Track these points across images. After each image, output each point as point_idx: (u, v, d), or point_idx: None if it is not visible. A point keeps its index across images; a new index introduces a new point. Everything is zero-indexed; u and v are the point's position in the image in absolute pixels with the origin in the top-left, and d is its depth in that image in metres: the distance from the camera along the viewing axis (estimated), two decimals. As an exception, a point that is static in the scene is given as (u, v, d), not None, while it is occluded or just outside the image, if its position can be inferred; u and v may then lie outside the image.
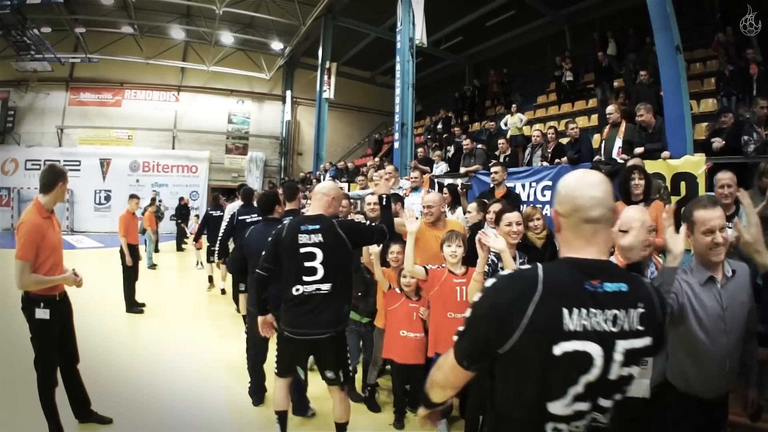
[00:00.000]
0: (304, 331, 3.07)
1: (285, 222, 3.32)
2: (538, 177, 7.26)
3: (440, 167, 9.65)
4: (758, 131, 5.55)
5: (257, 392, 4.20)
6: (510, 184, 6.86)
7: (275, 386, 3.37)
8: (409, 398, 3.88)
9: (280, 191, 5.21)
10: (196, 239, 11.00)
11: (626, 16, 12.27)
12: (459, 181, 7.91)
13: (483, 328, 1.31)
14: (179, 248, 15.54)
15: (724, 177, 3.90)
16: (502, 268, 3.17)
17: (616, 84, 11.02)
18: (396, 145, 11.36)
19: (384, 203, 3.45)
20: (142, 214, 11.58)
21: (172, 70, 20.71)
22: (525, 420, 1.31)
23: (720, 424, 2.33)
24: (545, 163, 7.55)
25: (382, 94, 21.77)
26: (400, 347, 3.81)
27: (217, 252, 7.39)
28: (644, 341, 1.29)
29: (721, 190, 3.83)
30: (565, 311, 1.22)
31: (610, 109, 6.83)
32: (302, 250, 3.05)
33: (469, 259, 3.47)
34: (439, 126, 14.67)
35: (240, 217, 6.35)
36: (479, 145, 9.19)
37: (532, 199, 7.18)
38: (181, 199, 16.98)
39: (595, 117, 10.63)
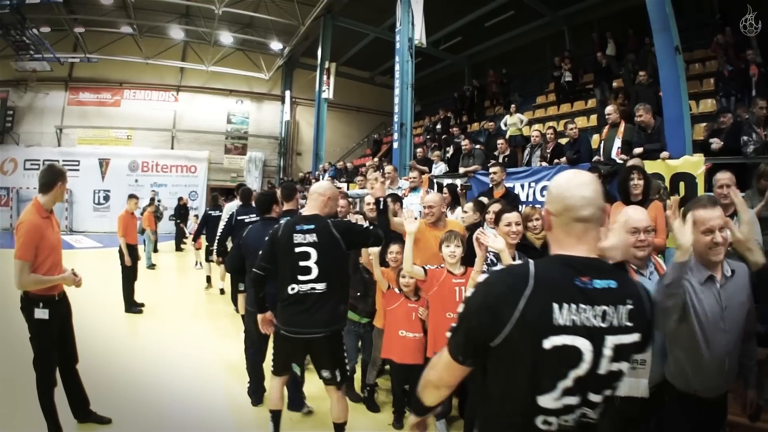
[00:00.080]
0: (300, 329, 3.10)
1: (281, 222, 3.35)
2: (537, 177, 7.25)
3: (439, 167, 9.65)
4: (757, 132, 5.56)
5: (256, 392, 4.21)
6: (509, 185, 6.86)
7: (270, 385, 3.40)
8: (408, 398, 3.87)
9: (279, 191, 5.22)
10: (195, 239, 11.02)
11: (625, 16, 12.27)
12: (458, 182, 7.92)
13: (476, 322, 1.33)
14: (178, 248, 15.54)
15: (723, 177, 3.90)
16: (502, 268, 3.18)
17: (615, 84, 11.02)
18: (395, 145, 11.36)
19: (380, 207, 3.46)
20: (141, 214, 11.57)
21: (171, 70, 20.70)
22: (515, 413, 1.32)
23: (719, 423, 2.34)
24: (544, 164, 7.54)
25: (381, 94, 21.79)
26: (399, 347, 3.80)
27: (215, 251, 7.40)
28: (633, 337, 1.31)
29: (720, 191, 3.82)
30: (555, 306, 1.24)
31: (609, 109, 6.83)
32: (297, 249, 3.08)
33: (469, 259, 3.47)
34: (438, 126, 14.68)
35: (239, 217, 6.34)
36: (477, 146, 9.20)
37: (531, 199, 7.17)
38: (180, 199, 16.96)
39: (594, 117, 10.65)
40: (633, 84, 9.13)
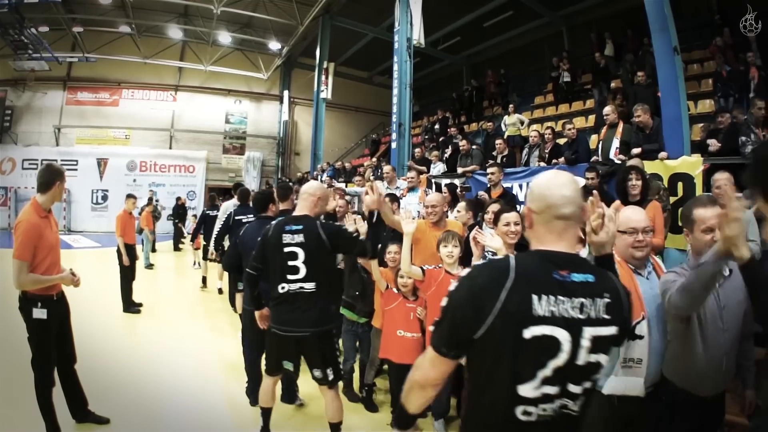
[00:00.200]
0: (290, 328, 3.16)
1: (273, 222, 3.39)
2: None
3: (437, 167, 9.66)
4: (756, 132, 5.56)
5: (254, 392, 4.18)
6: (507, 185, 6.87)
7: (262, 383, 3.46)
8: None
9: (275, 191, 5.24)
10: (193, 239, 11.01)
11: (624, 17, 12.28)
12: (456, 182, 7.93)
13: (459, 313, 1.37)
14: (176, 248, 15.54)
15: (721, 177, 3.92)
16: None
17: (613, 85, 11.04)
18: (393, 145, 11.35)
19: (373, 220, 3.49)
20: (139, 213, 11.58)
21: (170, 69, 20.66)
22: (496, 403, 1.36)
23: (717, 422, 2.34)
24: (543, 164, 7.54)
25: (379, 94, 21.74)
26: (397, 347, 3.80)
27: (213, 246, 7.43)
28: (610, 330, 1.36)
29: (718, 191, 3.84)
30: (534, 297, 1.29)
31: (607, 109, 6.83)
32: (286, 249, 3.14)
33: (467, 259, 3.48)
34: (437, 126, 14.68)
35: (236, 217, 6.37)
36: (474, 146, 9.20)
37: (529, 199, 7.15)
38: (178, 198, 16.96)
39: (592, 117, 10.62)
40: (631, 84, 9.15)
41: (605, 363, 1.38)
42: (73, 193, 18.61)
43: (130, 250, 7.51)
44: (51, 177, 3.40)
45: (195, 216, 15.96)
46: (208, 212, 9.22)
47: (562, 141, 7.88)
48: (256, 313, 3.53)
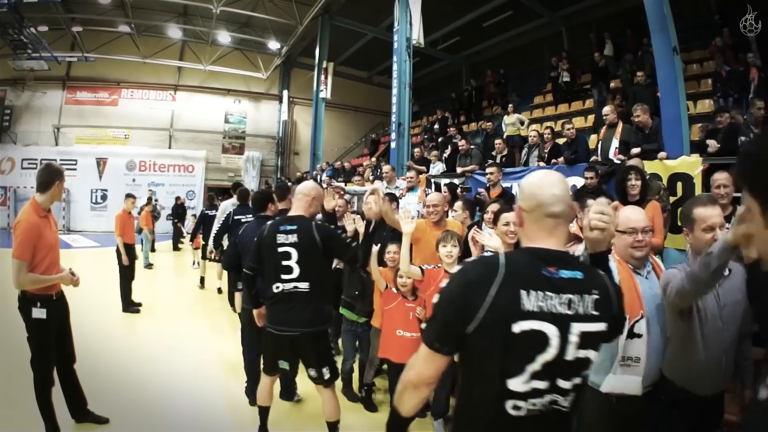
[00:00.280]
0: (284, 328, 3.17)
1: (268, 222, 3.42)
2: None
3: (437, 167, 9.66)
4: (755, 132, 5.57)
5: (254, 391, 4.17)
6: (507, 185, 6.86)
7: (260, 383, 3.49)
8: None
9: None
10: (192, 239, 11.01)
11: (623, 17, 12.27)
12: (456, 182, 7.94)
13: (452, 309, 1.39)
14: (176, 248, 15.52)
15: (721, 177, 3.91)
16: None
17: (612, 85, 11.04)
18: (392, 145, 11.34)
19: (369, 231, 3.50)
20: (139, 213, 11.58)
21: (169, 69, 20.64)
22: (487, 397, 1.38)
23: (716, 421, 2.35)
24: (542, 164, 7.54)
25: (379, 94, 21.71)
26: (396, 347, 3.81)
27: (212, 244, 7.44)
28: (599, 326, 1.38)
29: (718, 191, 3.84)
30: (523, 292, 1.32)
31: (606, 109, 6.83)
32: (279, 249, 3.16)
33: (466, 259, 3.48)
34: (436, 126, 14.68)
35: (236, 217, 6.38)
36: (473, 146, 9.20)
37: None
38: (177, 198, 16.97)
39: (591, 117, 10.63)
40: (631, 84, 9.15)
41: (594, 359, 1.40)
42: (73, 192, 18.59)
43: (130, 249, 7.51)
44: (50, 176, 3.39)
45: (194, 216, 15.96)
46: (206, 212, 9.22)
47: (561, 141, 7.88)
48: (254, 312, 3.57)
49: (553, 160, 7.33)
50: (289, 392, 4.25)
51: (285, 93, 22.00)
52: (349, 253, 3.34)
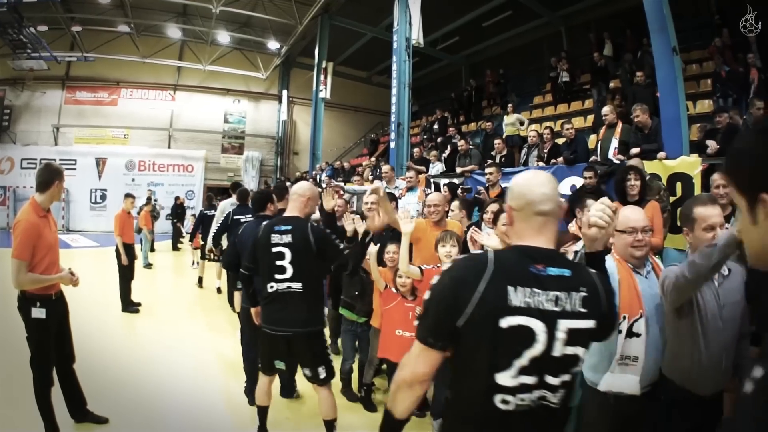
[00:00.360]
0: (279, 327, 3.19)
1: (264, 222, 3.43)
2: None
3: (436, 167, 9.66)
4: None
5: (253, 391, 4.17)
6: (506, 185, 6.86)
7: (258, 382, 3.50)
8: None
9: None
10: (191, 238, 11.01)
11: (623, 17, 12.26)
12: (456, 182, 7.94)
13: (443, 305, 1.41)
14: (175, 248, 15.51)
15: (720, 177, 3.91)
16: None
17: (612, 85, 11.04)
18: (392, 145, 11.34)
19: (364, 240, 3.51)
20: (138, 213, 11.57)
21: (169, 69, 20.63)
22: (475, 391, 1.40)
23: (715, 421, 2.35)
24: (541, 164, 7.54)
25: (378, 94, 21.69)
26: (396, 347, 3.80)
27: (211, 243, 7.44)
28: (587, 323, 1.40)
29: (717, 191, 3.84)
30: (510, 288, 1.35)
31: (605, 110, 6.83)
32: (274, 249, 3.18)
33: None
34: (436, 126, 14.67)
35: (235, 217, 6.38)
36: (472, 146, 9.20)
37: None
38: (176, 198, 16.96)
39: (590, 117, 10.61)
40: (630, 84, 9.15)
41: (583, 356, 1.42)
42: (72, 192, 18.55)
43: (129, 249, 7.51)
44: (50, 176, 3.39)
45: (194, 216, 15.97)
46: (206, 212, 9.22)
47: (560, 141, 7.87)
48: (252, 311, 3.60)
49: (553, 160, 7.34)
50: (288, 390, 4.28)
51: (284, 93, 21.97)
52: (340, 259, 3.33)
